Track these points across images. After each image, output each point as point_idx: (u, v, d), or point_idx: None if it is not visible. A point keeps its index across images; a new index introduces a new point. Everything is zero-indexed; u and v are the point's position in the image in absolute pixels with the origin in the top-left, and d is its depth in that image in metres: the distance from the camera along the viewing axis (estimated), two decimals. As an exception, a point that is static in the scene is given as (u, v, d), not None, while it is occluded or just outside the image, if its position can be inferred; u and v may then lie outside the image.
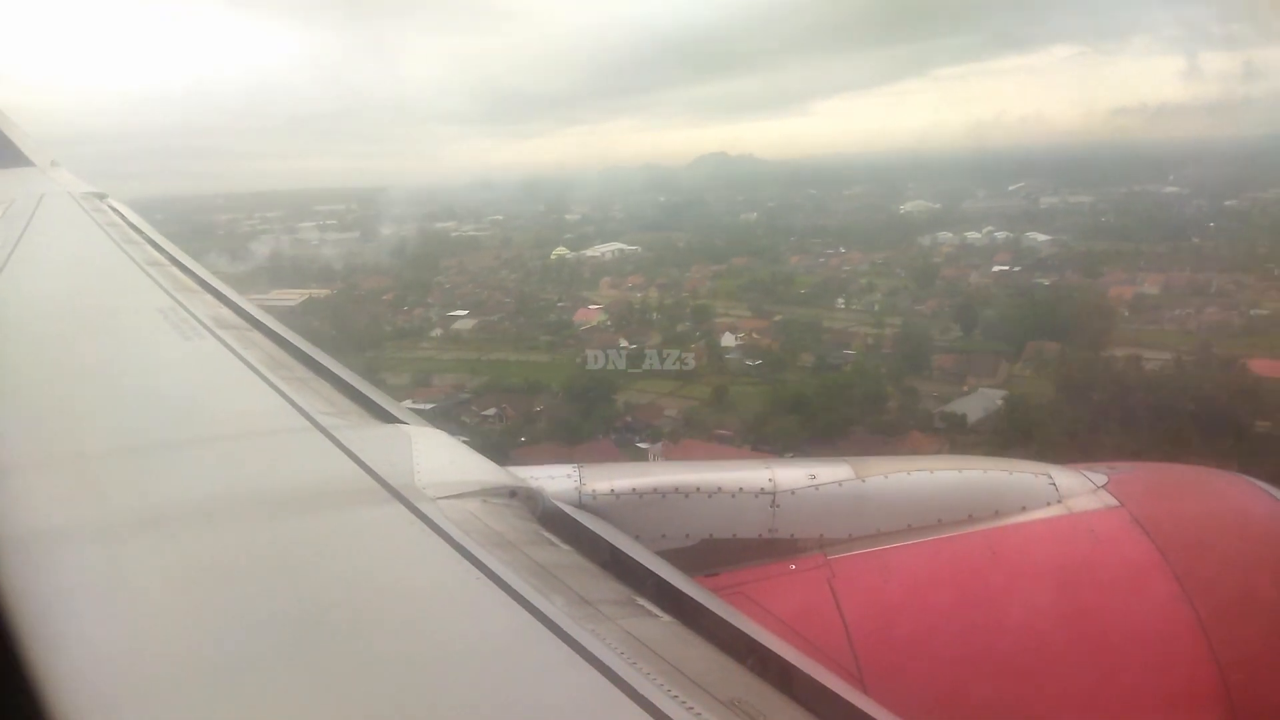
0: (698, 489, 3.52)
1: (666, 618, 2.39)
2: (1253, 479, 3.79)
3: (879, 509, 3.55)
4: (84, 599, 2.14)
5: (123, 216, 8.88)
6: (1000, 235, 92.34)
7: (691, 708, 1.78)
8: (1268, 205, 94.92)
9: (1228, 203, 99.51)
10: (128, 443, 3.19)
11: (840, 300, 73.10)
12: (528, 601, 2.10)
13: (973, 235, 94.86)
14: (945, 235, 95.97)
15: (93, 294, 5.94)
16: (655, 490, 3.51)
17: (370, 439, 3.20)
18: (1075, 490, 3.66)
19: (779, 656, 2.31)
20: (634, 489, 3.50)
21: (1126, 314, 63.36)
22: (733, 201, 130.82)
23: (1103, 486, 3.68)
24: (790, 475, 3.58)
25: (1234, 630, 3.21)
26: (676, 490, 3.51)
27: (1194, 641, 3.18)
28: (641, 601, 2.45)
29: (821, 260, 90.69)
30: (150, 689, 1.82)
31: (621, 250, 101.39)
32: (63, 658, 1.87)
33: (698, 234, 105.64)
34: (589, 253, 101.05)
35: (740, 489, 3.53)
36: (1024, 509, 3.59)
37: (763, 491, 3.52)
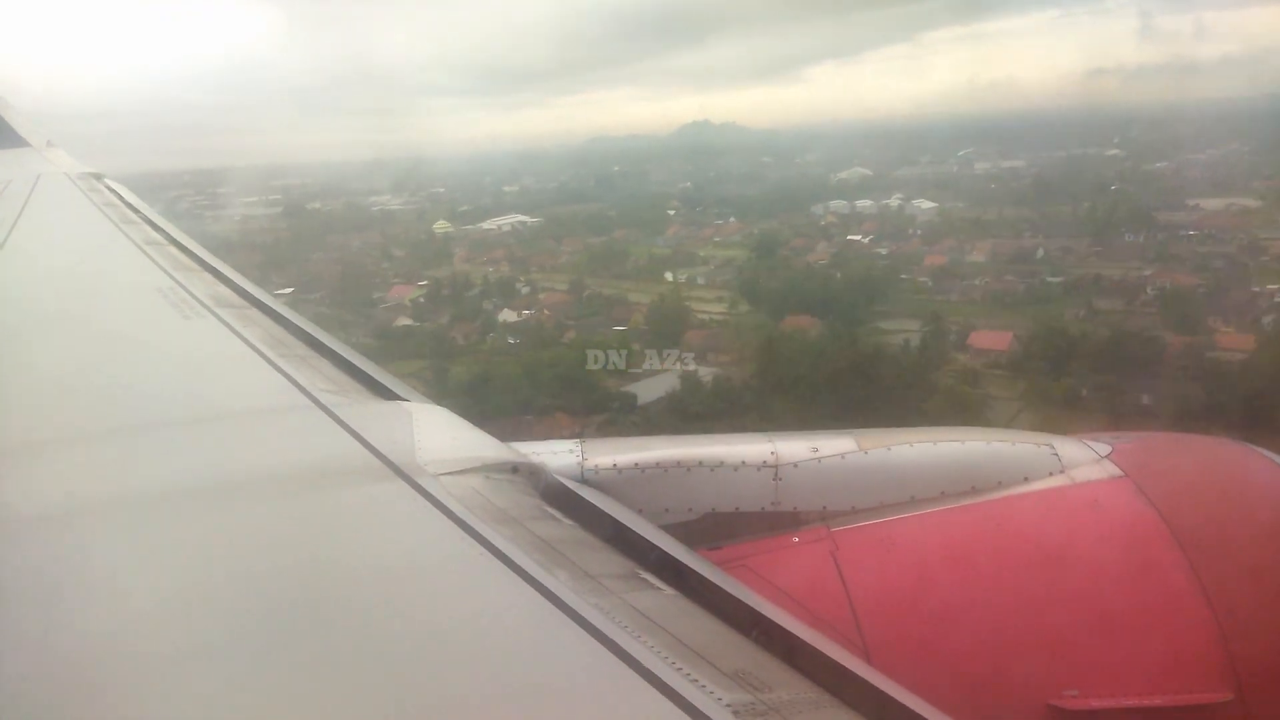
0: (700, 463, 3.52)
1: (670, 591, 2.37)
2: (1258, 448, 3.71)
3: (882, 481, 3.51)
4: (81, 578, 2.14)
5: (120, 196, 8.77)
6: (892, 203, 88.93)
7: (695, 679, 1.78)
8: (1185, 167, 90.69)
9: (1158, 165, 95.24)
10: (128, 422, 3.18)
11: (669, 274, 70.63)
12: (531, 576, 2.10)
13: (863, 204, 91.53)
14: (837, 204, 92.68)
15: (91, 273, 5.88)
16: (657, 465, 3.52)
17: (372, 416, 3.18)
18: (1078, 460, 3.60)
19: (783, 628, 2.29)
20: (636, 464, 3.51)
21: (930, 283, 60.10)
22: (677, 171, 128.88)
23: (1106, 457, 3.63)
24: (792, 448, 3.56)
25: (1238, 599, 3.16)
26: (678, 464, 3.51)
27: (1198, 611, 3.14)
28: (645, 575, 2.43)
29: (698, 230, 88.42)
30: (154, 665, 1.83)
31: (524, 223, 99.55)
32: (65, 634, 1.90)
33: (612, 205, 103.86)
34: (485, 225, 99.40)
35: (743, 462, 3.52)
36: (1026, 479, 3.54)
37: (765, 465, 3.51)
